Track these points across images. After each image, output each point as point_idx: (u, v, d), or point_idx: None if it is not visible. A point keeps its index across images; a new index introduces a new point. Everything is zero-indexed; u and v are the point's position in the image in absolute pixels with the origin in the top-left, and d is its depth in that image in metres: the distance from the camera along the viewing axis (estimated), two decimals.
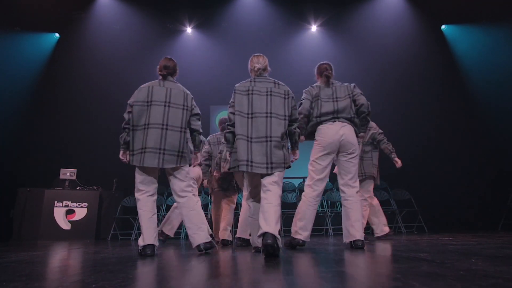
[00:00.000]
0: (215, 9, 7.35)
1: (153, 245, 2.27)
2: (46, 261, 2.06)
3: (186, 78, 7.38)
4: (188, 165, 2.46)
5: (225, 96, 7.50)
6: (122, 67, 7.15)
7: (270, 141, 2.22)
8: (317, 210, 5.74)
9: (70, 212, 5.00)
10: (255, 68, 2.49)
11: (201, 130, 2.58)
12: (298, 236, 2.53)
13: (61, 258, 2.22)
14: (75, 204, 5.04)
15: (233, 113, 2.31)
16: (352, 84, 2.80)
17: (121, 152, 2.42)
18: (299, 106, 2.69)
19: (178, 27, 7.53)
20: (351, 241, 2.45)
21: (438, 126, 6.40)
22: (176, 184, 2.41)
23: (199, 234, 2.34)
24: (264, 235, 1.98)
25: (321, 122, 2.64)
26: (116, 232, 5.42)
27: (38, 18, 6.34)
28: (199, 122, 2.57)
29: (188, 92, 2.56)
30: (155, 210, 2.39)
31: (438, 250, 2.12)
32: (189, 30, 7.59)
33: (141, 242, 2.28)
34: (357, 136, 2.68)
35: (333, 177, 7.23)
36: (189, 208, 2.37)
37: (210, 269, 1.55)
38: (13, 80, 5.85)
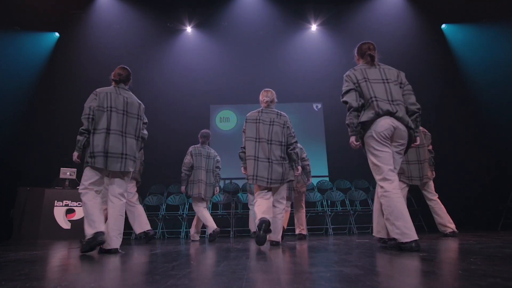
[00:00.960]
0: (215, 8, 7.34)
1: (103, 232, 2.34)
2: (46, 260, 2.06)
3: (186, 77, 7.45)
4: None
5: (225, 95, 7.58)
6: None
7: (272, 162, 2.86)
8: (317, 210, 5.81)
9: (70, 211, 5.01)
10: (264, 101, 3.07)
11: (145, 138, 2.79)
12: (406, 239, 2.04)
13: (61, 258, 2.22)
14: (75, 204, 5.04)
15: (245, 139, 2.97)
16: (403, 73, 2.46)
17: (76, 154, 2.51)
18: (343, 96, 2.39)
19: (178, 27, 7.53)
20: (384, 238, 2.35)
21: (438, 125, 6.39)
22: (121, 186, 2.57)
23: (119, 239, 2.49)
24: (271, 242, 2.96)
25: (379, 107, 2.23)
26: None
27: (38, 17, 6.34)
28: (146, 131, 2.81)
29: (140, 101, 2.77)
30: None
31: (437, 249, 2.12)
32: (189, 29, 7.59)
33: (90, 230, 2.31)
34: (414, 141, 2.35)
35: (333, 177, 7.19)
36: (120, 212, 2.52)
37: (211, 266, 1.55)
38: (13, 79, 5.85)
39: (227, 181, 6.77)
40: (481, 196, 5.74)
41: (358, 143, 2.33)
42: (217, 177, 4.43)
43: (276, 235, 2.94)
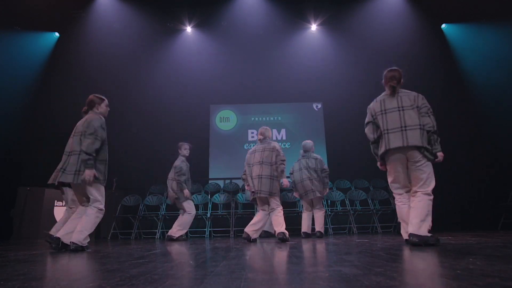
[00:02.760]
0: (215, 8, 7.35)
1: (56, 238, 2.73)
2: (45, 260, 2.06)
3: (186, 77, 7.45)
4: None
5: (225, 95, 7.58)
6: (121, 66, 7.15)
7: (261, 178, 3.68)
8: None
9: None
10: (259, 138, 3.93)
11: (84, 149, 2.83)
12: (406, 237, 2.54)
13: (60, 257, 2.22)
14: None
15: (246, 166, 3.90)
16: (421, 96, 2.63)
17: None
18: (365, 127, 2.76)
19: (178, 26, 7.53)
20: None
21: (438, 125, 6.39)
22: (77, 196, 3.02)
23: (66, 237, 2.74)
24: (278, 233, 3.54)
25: (389, 144, 2.53)
26: (116, 231, 5.43)
27: (38, 17, 6.34)
28: (85, 142, 2.86)
29: (96, 118, 2.95)
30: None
31: (436, 249, 2.12)
32: (189, 29, 7.59)
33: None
34: (433, 160, 2.54)
35: (333, 177, 7.19)
36: (81, 214, 2.86)
37: (210, 265, 1.55)
38: (13, 79, 5.85)
39: (227, 181, 6.77)
40: (481, 196, 5.73)
41: (384, 165, 2.70)
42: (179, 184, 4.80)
43: (279, 227, 3.58)
